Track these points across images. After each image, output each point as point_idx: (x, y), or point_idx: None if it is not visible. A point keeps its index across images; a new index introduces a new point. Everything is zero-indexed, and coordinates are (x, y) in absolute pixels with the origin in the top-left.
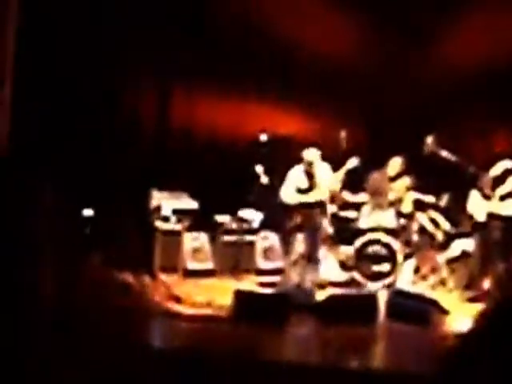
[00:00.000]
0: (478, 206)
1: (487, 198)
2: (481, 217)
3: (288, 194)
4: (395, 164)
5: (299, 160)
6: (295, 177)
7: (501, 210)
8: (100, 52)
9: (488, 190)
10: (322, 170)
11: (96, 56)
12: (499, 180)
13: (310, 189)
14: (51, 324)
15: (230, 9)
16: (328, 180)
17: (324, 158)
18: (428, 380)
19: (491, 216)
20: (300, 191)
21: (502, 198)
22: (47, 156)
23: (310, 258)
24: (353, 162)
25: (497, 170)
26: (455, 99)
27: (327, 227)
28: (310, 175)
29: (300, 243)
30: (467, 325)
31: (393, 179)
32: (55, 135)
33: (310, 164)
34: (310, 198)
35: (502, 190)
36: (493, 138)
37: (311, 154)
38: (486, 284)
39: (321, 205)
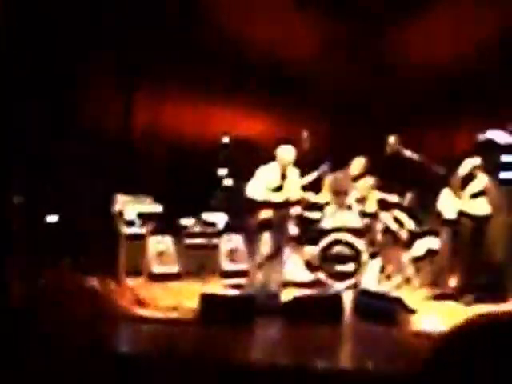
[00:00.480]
0: (447, 204)
1: (458, 196)
2: (450, 214)
3: (256, 190)
4: (358, 164)
5: (263, 160)
6: (265, 174)
7: (470, 209)
8: (61, 53)
9: (457, 188)
10: (291, 170)
11: (57, 57)
12: (467, 178)
13: (279, 188)
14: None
15: (196, 10)
16: (297, 181)
17: None
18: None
19: (460, 214)
20: (269, 190)
21: (472, 196)
22: (10, 161)
23: (275, 259)
24: (324, 168)
25: (465, 168)
26: (417, 98)
27: (292, 228)
28: (280, 174)
29: (265, 244)
30: (432, 324)
31: (356, 179)
32: (15, 139)
33: (284, 163)
34: (279, 197)
35: (471, 188)
36: (455, 137)
37: (287, 153)
38: (452, 282)
39: (288, 205)
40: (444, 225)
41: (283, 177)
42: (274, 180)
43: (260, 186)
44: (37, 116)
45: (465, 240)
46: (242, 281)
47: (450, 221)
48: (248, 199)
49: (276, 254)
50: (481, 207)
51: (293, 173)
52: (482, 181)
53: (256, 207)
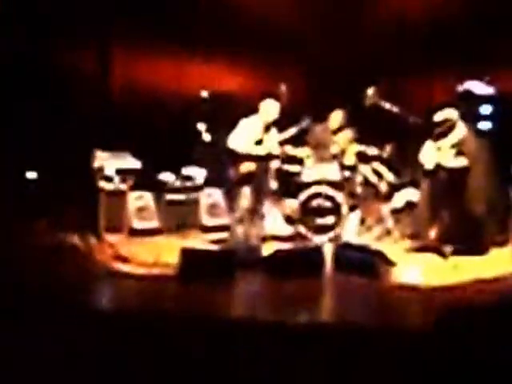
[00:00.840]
0: (428, 156)
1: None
2: (429, 165)
3: (238, 143)
4: (337, 117)
5: (241, 115)
6: (247, 127)
7: (446, 161)
8: (36, 12)
9: (434, 139)
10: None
11: (32, 16)
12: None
13: (260, 142)
14: None
15: None
16: (275, 136)
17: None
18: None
19: (438, 166)
20: (251, 143)
21: (450, 147)
22: None
23: (256, 213)
24: (306, 122)
25: (439, 116)
26: (395, 49)
27: (271, 181)
28: (263, 128)
29: (245, 198)
30: (413, 276)
31: (335, 132)
32: None
33: (267, 117)
34: (260, 150)
35: (449, 139)
36: (434, 87)
37: (271, 108)
38: (432, 234)
39: (269, 159)
40: (424, 176)
41: (265, 131)
42: (256, 133)
43: (242, 138)
44: (13, 75)
45: (443, 192)
46: (222, 235)
47: (430, 172)
48: (230, 151)
49: (256, 208)
50: (457, 159)
51: (271, 129)
52: (460, 131)
53: (237, 160)
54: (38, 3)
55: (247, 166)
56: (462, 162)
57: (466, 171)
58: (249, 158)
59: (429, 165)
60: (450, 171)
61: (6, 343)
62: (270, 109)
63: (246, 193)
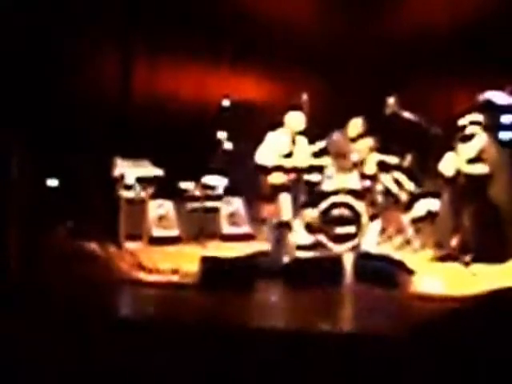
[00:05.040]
0: (448, 164)
1: (457, 154)
2: (449, 172)
3: (266, 157)
4: (356, 124)
5: (262, 123)
6: (275, 140)
7: (467, 168)
8: (60, 17)
9: (456, 144)
10: (299, 138)
11: (56, 21)
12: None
13: (289, 155)
14: (15, 294)
15: None
16: (306, 148)
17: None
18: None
19: (459, 173)
20: (280, 156)
21: (471, 155)
22: (9, 122)
23: (283, 224)
24: (336, 135)
25: (463, 121)
26: (416, 58)
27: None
28: (290, 141)
29: (285, 204)
30: (433, 285)
31: (354, 140)
32: (14, 102)
33: (293, 130)
34: (290, 163)
35: (470, 147)
36: (454, 97)
37: (297, 120)
38: (454, 242)
39: (297, 171)
40: (445, 184)
41: (293, 143)
42: (284, 146)
43: (270, 152)
44: (36, 82)
45: (464, 199)
46: (242, 244)
47: (450, 180)
48: (258, 166)
49: (285, 219)
50: (478, 166)
51: (301, 140)
52: (481, 139)
53: (267, 173)
54: (63, 7)
55: (276, 178)
56: (482, 169)
57: (487, 178)
58: (279, 170)
59: (448, 172)
60: (470, 178)
61: (28, 349)
62: (295, 121)
63: (285, 199)
